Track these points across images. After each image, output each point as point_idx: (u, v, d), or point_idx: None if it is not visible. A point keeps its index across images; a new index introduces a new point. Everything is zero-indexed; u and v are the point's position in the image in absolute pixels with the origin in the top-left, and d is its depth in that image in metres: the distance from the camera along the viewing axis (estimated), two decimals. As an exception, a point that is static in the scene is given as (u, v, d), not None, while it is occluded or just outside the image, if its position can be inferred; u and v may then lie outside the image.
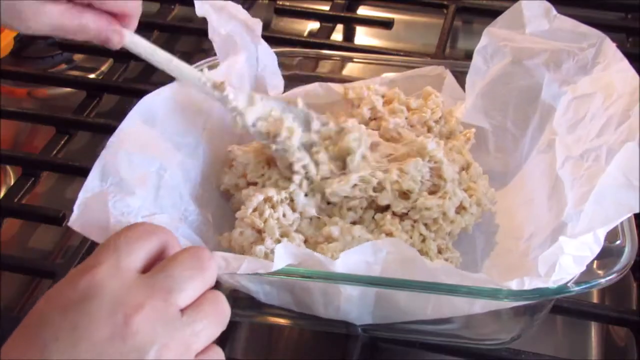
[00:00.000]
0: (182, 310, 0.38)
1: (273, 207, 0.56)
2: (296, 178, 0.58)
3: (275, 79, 0.70)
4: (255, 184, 0.61)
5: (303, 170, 0.58)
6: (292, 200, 0.57)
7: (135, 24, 0.53)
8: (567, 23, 0.61)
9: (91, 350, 0.35)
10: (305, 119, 0.61)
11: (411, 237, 0.56)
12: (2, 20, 0.48)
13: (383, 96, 0.68)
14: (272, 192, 0.56)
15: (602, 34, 0.59)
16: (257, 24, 0.66)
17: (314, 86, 0.70)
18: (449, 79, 0.69)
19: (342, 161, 0.60)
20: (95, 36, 0.51)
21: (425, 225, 0.57)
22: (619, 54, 0.57)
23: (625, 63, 0.56)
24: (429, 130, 0.65)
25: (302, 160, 0.59)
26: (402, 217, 0.58)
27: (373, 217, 0.58)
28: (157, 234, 0.41)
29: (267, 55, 0.69)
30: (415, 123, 0.65)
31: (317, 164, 0.59)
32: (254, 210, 0.56)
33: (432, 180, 0.59)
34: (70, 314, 0.36)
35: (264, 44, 0.68)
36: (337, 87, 0.69)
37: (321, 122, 0.61)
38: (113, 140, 0.53)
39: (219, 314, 0.40)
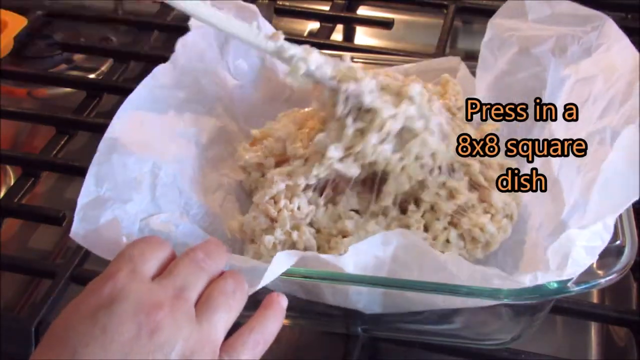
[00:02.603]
0: (195, 306, 0.41)
1: (291, 197, 0.54)
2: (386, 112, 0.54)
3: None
4: (284, 161, 0.58)
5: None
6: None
7: None
8: (568, 6, 0.60)
9: (120, 350, 0.37)
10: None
11: (435, 239, 0.54)
12: None
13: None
14: (301, 180, 0.54)
15: (603, 14, 0.58)
16: (254, 9, 0.63)
17: None
18: (463, 71, 0.67)
19: None
20: None
21: (461, 234, 0.54)
22: (620, 33, 0.56)
23: (625, 41, 0.55)
24: (453, 116, 0.62)
25: (375, 101, 0.55)
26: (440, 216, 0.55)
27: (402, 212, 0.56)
28: (166, 244, 0.44)
29: None
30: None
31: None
32: (271, 197, 0.55)
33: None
34: (99, 318, 0.38)
35: (267, 28, 0.64)
36: None
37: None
38: (103, 144, 0.53)
39: (230, 300, 0.42)
